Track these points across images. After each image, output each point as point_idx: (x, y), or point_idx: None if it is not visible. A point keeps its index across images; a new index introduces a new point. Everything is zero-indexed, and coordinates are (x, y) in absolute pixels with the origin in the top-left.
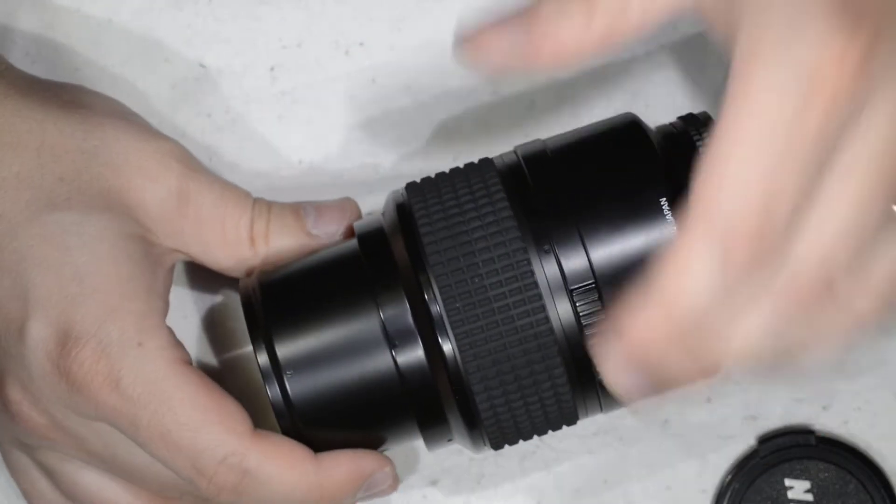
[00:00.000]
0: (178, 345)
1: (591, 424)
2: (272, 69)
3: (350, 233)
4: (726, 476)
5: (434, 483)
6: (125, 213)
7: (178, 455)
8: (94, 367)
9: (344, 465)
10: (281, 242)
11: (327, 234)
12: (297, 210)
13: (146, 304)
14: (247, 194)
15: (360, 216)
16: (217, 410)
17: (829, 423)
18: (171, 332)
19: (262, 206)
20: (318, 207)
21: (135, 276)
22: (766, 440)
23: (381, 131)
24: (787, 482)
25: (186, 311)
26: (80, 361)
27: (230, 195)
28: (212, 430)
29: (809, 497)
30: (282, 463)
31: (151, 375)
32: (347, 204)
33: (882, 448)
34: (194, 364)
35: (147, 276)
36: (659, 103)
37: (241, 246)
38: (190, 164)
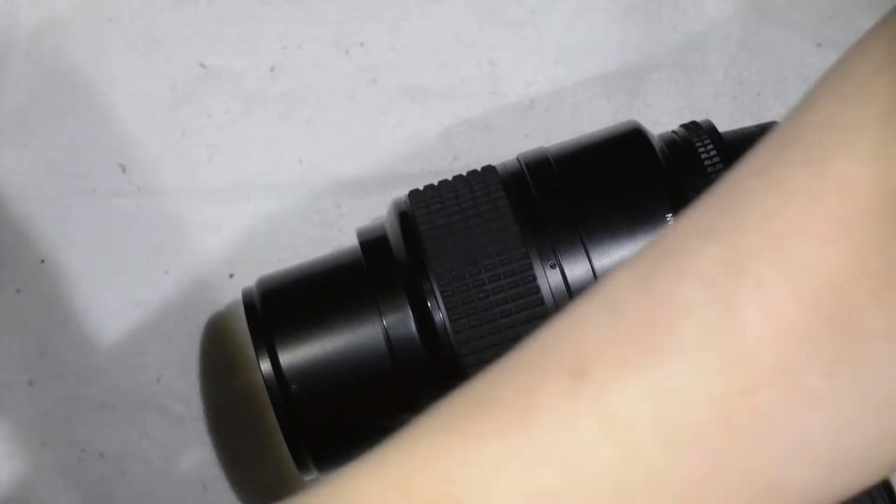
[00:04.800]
0: None
1: None
2: (272, 69)
3: None
4: None
5: None
6: None
7: None
8: None
9: None
10: None
11: None
12: None
13: None
14: None
15: None
16: None
17: None
18: None
19: None
20: None
21: None
22: None
23: (381, 131)
24: None
25: (188, 311)
26: None
27: None
28: None
29: None
30: None
31: None
32: None
33: None
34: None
35: None
36: (659, 103)
37: None
38: None
